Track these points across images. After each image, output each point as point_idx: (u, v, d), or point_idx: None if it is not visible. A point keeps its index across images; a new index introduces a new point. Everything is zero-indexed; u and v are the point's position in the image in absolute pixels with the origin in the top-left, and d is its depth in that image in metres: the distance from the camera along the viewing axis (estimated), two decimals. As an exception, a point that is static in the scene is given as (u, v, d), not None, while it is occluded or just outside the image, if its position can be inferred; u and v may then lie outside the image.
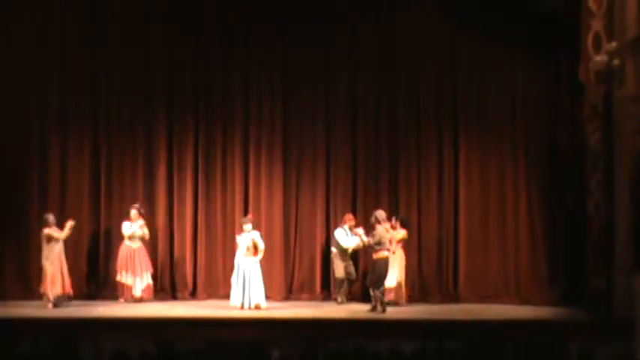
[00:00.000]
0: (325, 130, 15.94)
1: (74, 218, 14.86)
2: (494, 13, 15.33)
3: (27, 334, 10.53)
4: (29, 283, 15.13)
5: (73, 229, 14.55)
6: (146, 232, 15.19)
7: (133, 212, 15.10)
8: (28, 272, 15.20)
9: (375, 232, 14.33)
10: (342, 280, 15.24)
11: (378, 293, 14.14)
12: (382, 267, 14.27)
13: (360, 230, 14.91)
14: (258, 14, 15.82)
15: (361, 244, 14.92)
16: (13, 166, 15.61)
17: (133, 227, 15.10)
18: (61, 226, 14.53)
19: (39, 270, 14.58)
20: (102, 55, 15.83)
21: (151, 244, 15.65)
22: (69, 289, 14.50)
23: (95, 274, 15.61)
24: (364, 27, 15.92)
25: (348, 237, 15.19)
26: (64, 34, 15.76)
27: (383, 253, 14.29)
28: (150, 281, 15.21)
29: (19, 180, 15.60)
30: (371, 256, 14.50)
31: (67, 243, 14.65)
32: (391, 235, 14.74)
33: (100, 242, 15.67)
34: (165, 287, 15.75)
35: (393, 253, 14.79)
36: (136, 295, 15.03)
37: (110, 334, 11.95)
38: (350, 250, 15.21)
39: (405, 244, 15.20)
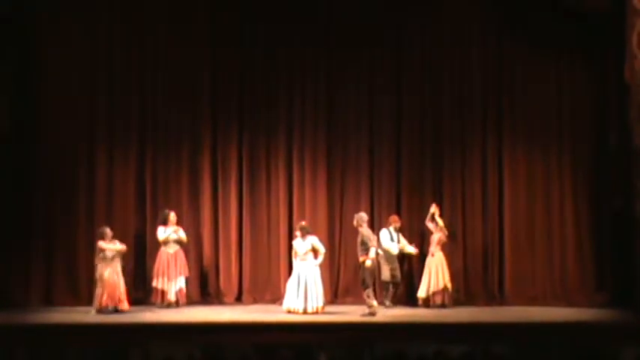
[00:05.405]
0: (369, 132, 15.92)
1: (121, 227, 15.16)
2: (541, 13, 15.25)
3: (75, 341, 10.62)
4: (78, 292, 15.28)
5: (124, 253, 14.71)
6: (182, 235, 15.22)
7: (172, 216, 15.17)
8: (77, 281, 15.36)
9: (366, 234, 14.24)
10: (387, 283, 15.24)
11: (370, 294, 14.06)
12: (369, 269, 14.16)
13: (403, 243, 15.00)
14: (302, 16, 15.86)
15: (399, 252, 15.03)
16: (62, 176, 15.71)
17: (167, 232, 15.16)
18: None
19: (89, 281, 14.74)
20: (148, 60, 15.93)
21: (196, 250, 15.78)
22: (120, 303, 14.48)
23: (142, 280, 15.69)
24: (409, 27, 15.89)
25: (392, 241, 15.19)
26: (111, 37, 15.86)
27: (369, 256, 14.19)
28: (183, 285, 15.20)
29: (67, 190, 15.70)
30: (411, 260, 14.57)
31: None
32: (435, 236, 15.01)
33: (146, 250, 15.74)
34: (211, 292, 15.84)
35: (432, 255, 14.98)
36: (170, 299, 15.06)
37: (157, 339, 12.00)
38: (395, 252, 15.23)
39: (445, 245, 15.21)
